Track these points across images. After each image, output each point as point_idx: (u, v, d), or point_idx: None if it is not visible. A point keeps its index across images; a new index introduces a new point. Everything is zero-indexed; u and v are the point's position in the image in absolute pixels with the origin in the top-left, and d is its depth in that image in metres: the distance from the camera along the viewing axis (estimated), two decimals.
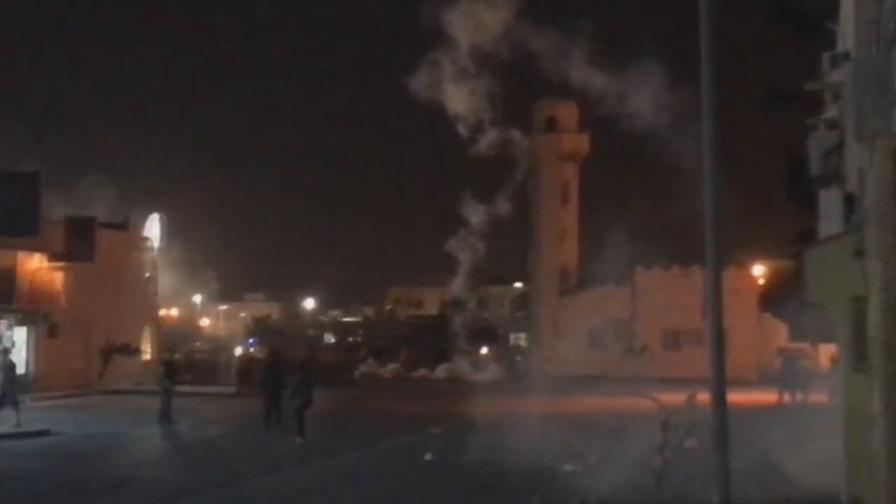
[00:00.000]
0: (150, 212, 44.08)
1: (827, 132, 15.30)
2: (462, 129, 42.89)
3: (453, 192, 48.03)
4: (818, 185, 16.37)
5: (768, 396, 31.24)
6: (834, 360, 22.74)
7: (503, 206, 47.09)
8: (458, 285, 50.01)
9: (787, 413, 26.32)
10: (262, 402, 23.90)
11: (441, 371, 50.15)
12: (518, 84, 53.44)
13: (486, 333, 55.42)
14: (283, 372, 24.27)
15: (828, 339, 18.67)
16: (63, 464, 18.37)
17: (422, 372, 50.79)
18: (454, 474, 16.93)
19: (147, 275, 44.11)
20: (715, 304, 9.90)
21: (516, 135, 46.96)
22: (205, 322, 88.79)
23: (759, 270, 52.38)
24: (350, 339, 70.44)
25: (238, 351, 50.01)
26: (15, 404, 23.10)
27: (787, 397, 30.18)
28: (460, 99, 41.75)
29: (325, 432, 22.88)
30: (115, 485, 15.83)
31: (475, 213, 47.24)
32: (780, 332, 50.03)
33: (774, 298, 50.10)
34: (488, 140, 44.32)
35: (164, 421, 25.31)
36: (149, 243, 43.82)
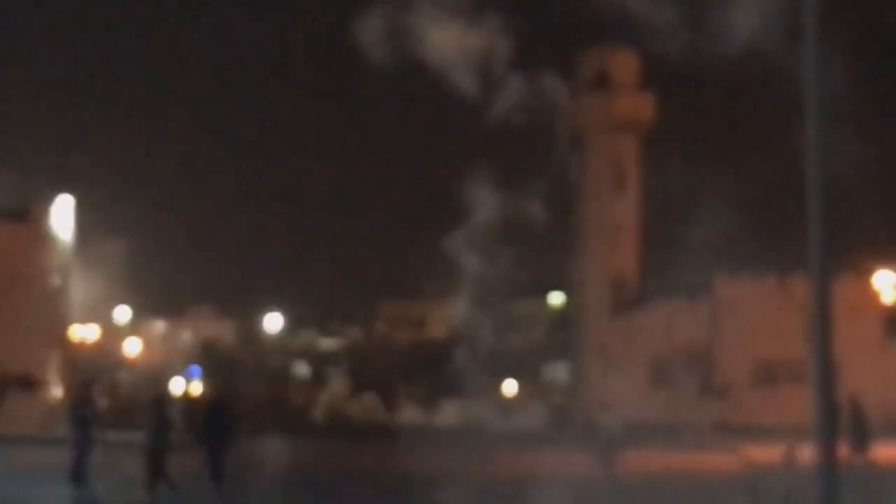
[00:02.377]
0: (59, 195, 44.07)
1: None
2: (467, 88, 41.49)
3: (467, 174, 47.51)
4: None
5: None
6: None
7: (535, 192, 46.52)
8: (462, 301, 49.62)
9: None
10: (203, 457, 23.99)
11: (449, 413, 50.23)
12: (545, 23, 52.76)
13: (512, 365, 55.33)
14: (228, 418, 24.43)
15: None
16: None
17: (412, 413, 51.18)
18: None
19: (55, 282, 44.10)
20: (822, 326, 9.74)
21: (551, 86, 45.99)
22: (134, 345, 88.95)
23: (885, 280, 52.22)
24: (329, 370, 70.43)
25: (178, 384, 50.10)
26: None
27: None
28: (454, 43, 40.34)
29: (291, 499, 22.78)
30: None
31: (491, 199, 46.64)
32: None
33: None
34: (510, 99, 43.42)
35: (77, 480, 25.29)
36: (57, 239, 43.83)
